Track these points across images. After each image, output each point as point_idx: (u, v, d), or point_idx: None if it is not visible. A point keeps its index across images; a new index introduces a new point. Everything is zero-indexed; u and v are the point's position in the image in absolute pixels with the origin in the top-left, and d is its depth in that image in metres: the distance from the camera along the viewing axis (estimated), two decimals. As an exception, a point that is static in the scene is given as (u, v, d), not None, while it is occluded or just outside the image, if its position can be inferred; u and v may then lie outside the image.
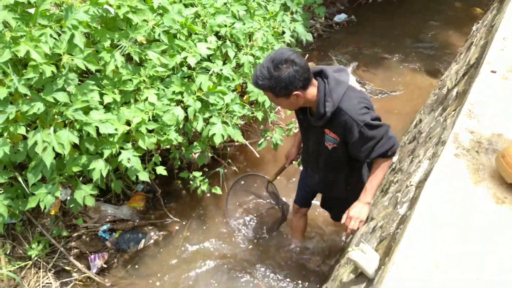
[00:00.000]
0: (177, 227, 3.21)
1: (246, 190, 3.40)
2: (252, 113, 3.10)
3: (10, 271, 2.58)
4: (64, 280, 2.78)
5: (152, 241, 3.09)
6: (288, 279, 2.91)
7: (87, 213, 2.95)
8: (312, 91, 1.90)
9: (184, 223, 3.25)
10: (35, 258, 2.70)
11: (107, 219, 3.01)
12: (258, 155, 3.51)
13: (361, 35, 5.66)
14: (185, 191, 3.49)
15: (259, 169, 3.70)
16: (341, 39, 5.59)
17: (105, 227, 2.97)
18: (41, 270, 2.74)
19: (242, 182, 3.25)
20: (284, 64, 1.76)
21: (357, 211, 2.03)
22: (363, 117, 1.86)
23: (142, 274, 2.91)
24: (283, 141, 3.27)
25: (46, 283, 2.74)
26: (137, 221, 3.11)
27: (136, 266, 2.94)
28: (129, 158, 2.39)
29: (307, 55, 4.78)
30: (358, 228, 2.05)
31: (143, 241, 3.02)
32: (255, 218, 3.35)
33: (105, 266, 2.86)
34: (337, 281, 1.91)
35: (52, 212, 2.80)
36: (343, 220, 2.08)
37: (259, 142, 3.35)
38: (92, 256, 2.85)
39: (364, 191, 2.08)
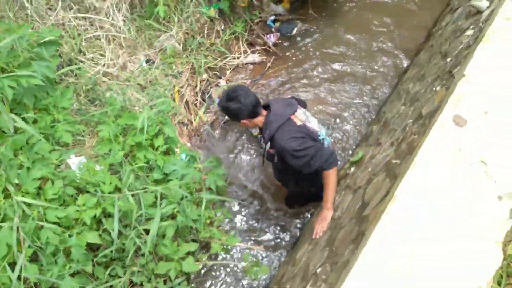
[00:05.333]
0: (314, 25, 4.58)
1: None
2: None
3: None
4: (253, 49, 4.32)
5: (298, 32, 4.49)
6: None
7: (261, 7, 4.35)
8: (260, 119, 2.44)
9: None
10: (238, 32, 4.19)
11: (271, 13, 4.42)
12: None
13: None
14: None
15: None
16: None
17: (272, 17, 4.41)
18: (240, 41, 4.27)
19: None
20: (232, 100, 2.33)
21: (323, 216, 2.50)
22: (289, 145, 2.30)
23: (301, 47, 4.39)
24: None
25: (243, 50, 4.28)
26: (289, 16, 4.52)
27: (298, 39, 4.43)
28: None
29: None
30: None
31: (295, 29, 4.46)
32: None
33: (276, 42, 4.36)
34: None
35: (243, 4, 4.19)
36: (314, 235, 2.52)
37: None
38: (267, 35, 4.33)
39: (324, 201, 2.49)
